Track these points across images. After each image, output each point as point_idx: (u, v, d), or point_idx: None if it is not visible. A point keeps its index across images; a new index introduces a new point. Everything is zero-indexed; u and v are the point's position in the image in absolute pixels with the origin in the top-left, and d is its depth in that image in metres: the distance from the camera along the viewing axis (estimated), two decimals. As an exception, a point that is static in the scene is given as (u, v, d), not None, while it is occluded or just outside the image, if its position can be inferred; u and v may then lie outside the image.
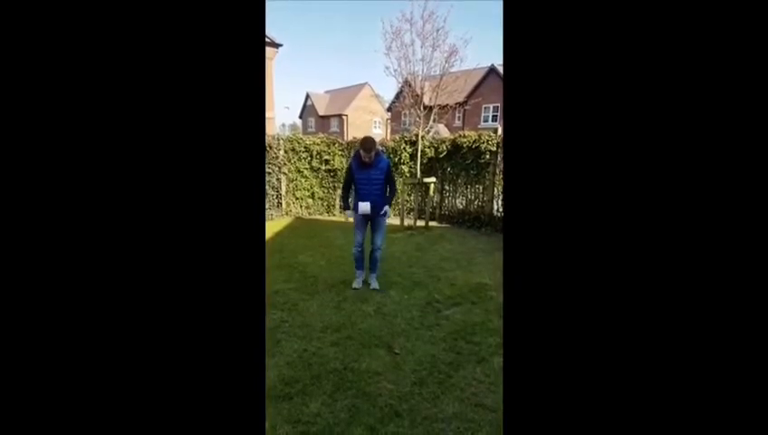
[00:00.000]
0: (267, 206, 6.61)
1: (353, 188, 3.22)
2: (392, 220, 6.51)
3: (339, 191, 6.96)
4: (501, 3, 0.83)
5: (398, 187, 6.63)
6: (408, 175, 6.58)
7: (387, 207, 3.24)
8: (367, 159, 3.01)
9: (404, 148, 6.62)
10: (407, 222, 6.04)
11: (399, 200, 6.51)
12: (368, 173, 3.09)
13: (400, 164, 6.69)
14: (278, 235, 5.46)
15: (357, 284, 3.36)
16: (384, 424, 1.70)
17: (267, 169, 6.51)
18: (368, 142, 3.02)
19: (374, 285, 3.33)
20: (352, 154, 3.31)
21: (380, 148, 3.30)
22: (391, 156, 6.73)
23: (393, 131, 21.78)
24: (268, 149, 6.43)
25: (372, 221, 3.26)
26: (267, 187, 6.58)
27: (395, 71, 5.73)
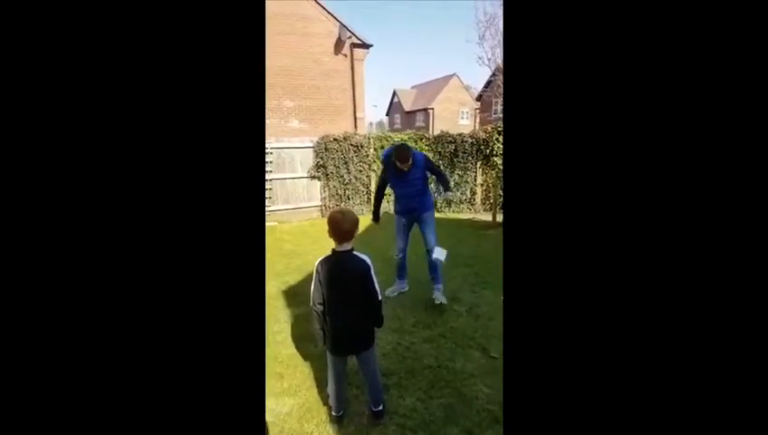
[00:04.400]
0: (358, 202, 6.96)
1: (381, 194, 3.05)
2: (483, 216, 6.25)
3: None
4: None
5: (490, 180, 6.32)
6: (501, 167, 6.21)
7: (449, 193, 3.02)
8: (405, 169, 2.76)
9: (496, 138, 6.26)
10: (499, 218, 5.72)
11: (491, 195, 6.20)
12: (404, 175, 2.83)
13: (492, 156, 6.35)
14: (368, 229, 5.71)
15: (390, 291, 3.09)
16: (482, 429, 1.65)
17: (359, 168, 6.84)
18: (403, 153, 2.73)
19: (440, 298, 2.89)
20: (383, 158, 3.02)
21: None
22: (482, 147, 6.44)
23: (482, 122, 20.80)
24: (359, 148, 6.75)
25: (418, 221, 2.97)
26: (359, 184, 6.92)
27: (488, 59, 5.46)
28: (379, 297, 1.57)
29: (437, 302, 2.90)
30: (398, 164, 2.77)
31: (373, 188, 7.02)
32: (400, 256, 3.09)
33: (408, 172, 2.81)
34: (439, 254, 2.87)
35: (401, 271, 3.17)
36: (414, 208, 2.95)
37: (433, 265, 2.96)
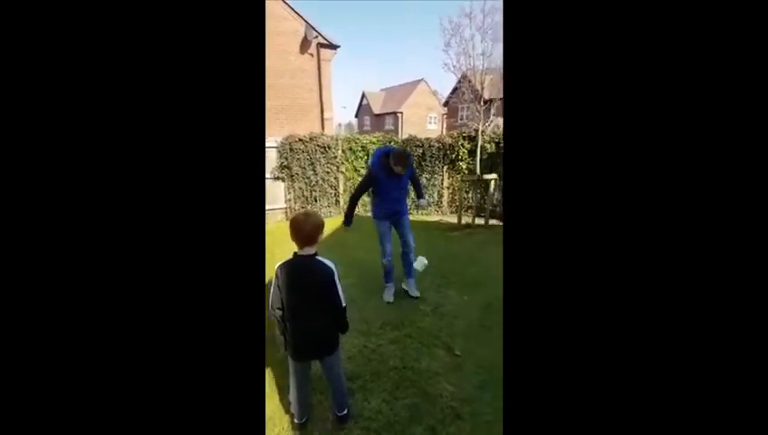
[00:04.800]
0: (326, 204, 6.88)
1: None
2: (450, 218, 6.40)
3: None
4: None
5: (456, 184, 6.49)
6: (466, 172, 6.39)
7: (426, 199, 3.13)
8: (402, 173, 2.83)
9: (462, 144, 6.43)
10: (464, 220, 5.87)
11: (457, 198, 6.36)
12: (397, 179, 2.89)
13: (458, 160, 6.52)
14: (337, 231, 5.66)
15: (389, 296, 3.08)
16: (445, 425, 1.68)
17: (326, 169, 6.77)
18: (406, 159, 2.80)
19: (414, 292, 3.09)
20: (373, 161, 2.97)
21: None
22: (448, 152, 6.60)
23: (449, 127, 21.34)
24: (326, 149, 6.68)
25: (397, 224, 3.06)
26: (326, 185, 6.84)
27: (454, 66, 5.60)
28: (343, 304, 1.54)
29: (412, 295, 3.05)
30: (398, 169, 2.79)
31: (343, 189, 6.96)
32: (389, 259, 3.07)
33: (400, 175, 2.88)
34: (419, 264, 3.04)
35: (389, 275, 3.14)
36: (397, 211, 3.00)
37: (408, 260, 3.07)
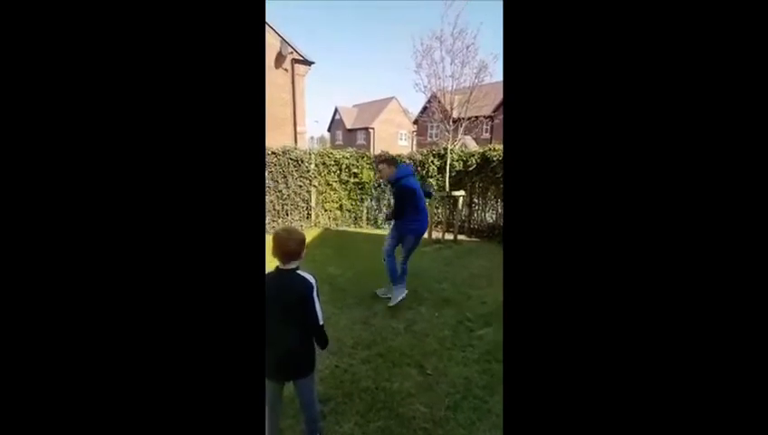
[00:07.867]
0: (297, 217, 6.77)
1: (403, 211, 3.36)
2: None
3: (367, 203, 7.03)
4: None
5: (427, 199, 6.64)
6: (436, 188, 6.54)
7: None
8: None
9: (432, 161, 6.60)
10: (434, 235, 5.98)
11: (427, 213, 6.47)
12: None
13: (428, 177, 6.68)
14: (307, 246, 5.56)
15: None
16: (418, 449, 1.66)
17: (298, 183, 6.69)
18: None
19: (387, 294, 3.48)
20: (397, 173, 3.46)
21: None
22: (419, 169, 6.75)
23: (419, 145, 21.88)
24: (299, 162, 6.63)
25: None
26: (298, 199, 6.75)
27: (424, 87, 5.80)
28: (320, 322, 1.51)
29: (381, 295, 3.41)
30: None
31: (315, 203, 6.89)
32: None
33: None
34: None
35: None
36: None
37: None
